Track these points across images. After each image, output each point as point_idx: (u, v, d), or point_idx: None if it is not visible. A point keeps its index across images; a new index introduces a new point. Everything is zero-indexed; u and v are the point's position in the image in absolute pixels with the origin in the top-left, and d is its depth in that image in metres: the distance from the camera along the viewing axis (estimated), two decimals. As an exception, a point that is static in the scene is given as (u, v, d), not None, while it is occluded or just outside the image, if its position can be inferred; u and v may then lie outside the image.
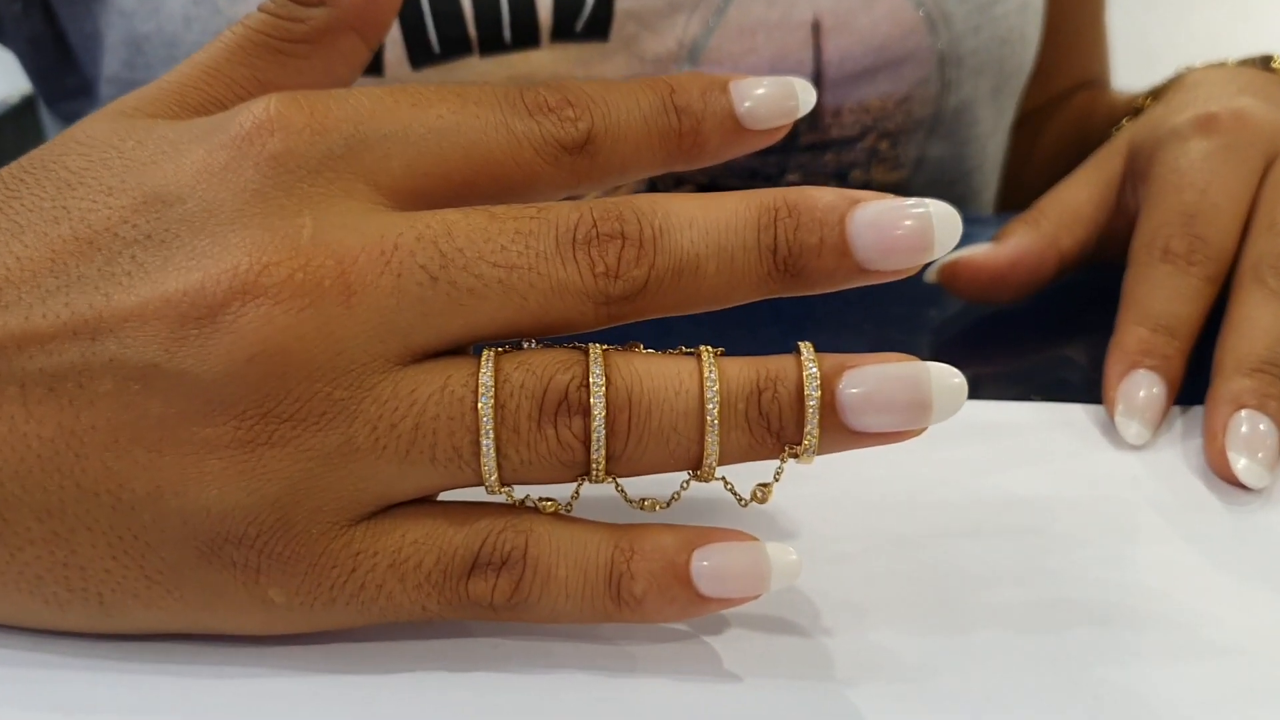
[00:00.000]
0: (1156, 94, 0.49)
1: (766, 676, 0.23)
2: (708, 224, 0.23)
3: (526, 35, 0.40)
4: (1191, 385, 0.32)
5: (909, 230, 0.23)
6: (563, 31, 0.41)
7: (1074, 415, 0.32)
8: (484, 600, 0.22)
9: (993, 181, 0.52)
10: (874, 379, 0.22)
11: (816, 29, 0.42)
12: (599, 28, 0.41)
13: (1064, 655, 0.24)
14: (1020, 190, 0.56)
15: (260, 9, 0.26)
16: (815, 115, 0.44)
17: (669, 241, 0.23)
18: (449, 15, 0.39)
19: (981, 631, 0.24)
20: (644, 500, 0.23)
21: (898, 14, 0.43)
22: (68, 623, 0.23)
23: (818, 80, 0.43)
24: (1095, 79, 0.58)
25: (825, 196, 0.23)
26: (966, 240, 0.46)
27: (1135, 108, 0.50)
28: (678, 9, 0.41)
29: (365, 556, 0.22)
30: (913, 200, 0.23)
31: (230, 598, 0.22)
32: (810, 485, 0.28)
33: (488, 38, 0.40)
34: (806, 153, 0.45)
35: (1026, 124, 0.53)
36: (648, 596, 0.22)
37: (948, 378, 0.22)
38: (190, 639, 0.23)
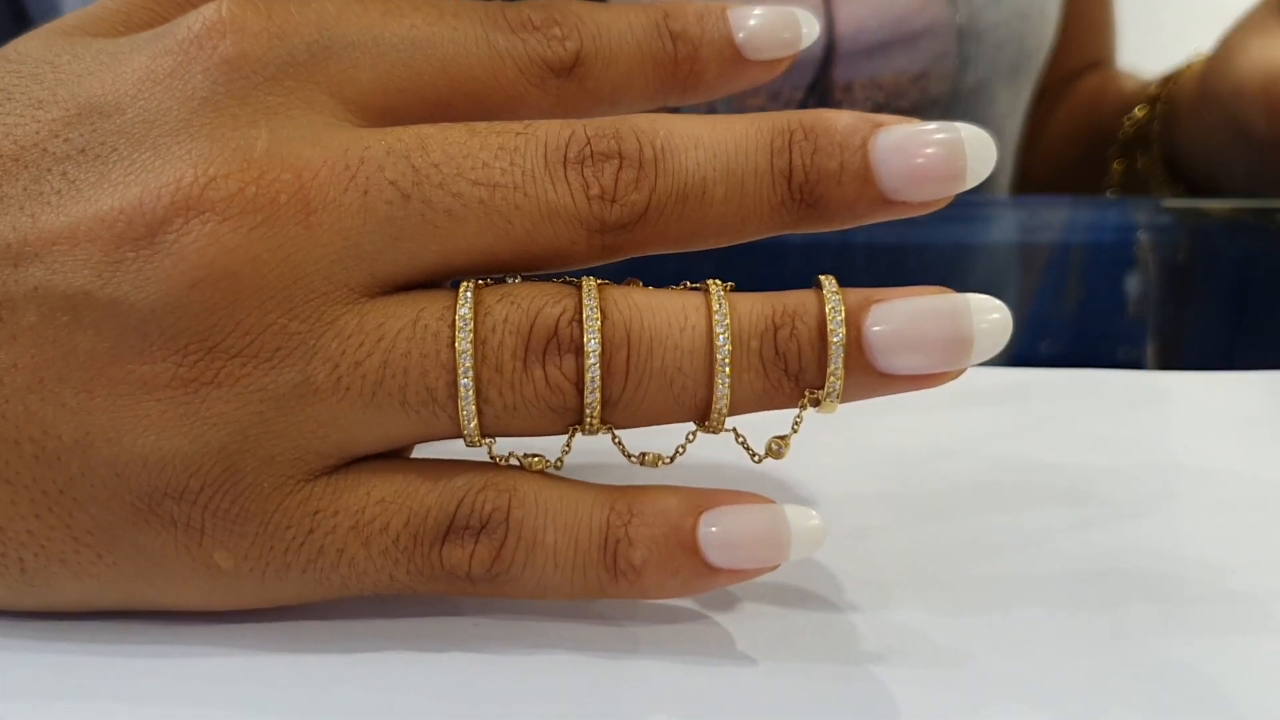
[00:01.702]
0: (1170, 79, 0.48)
1: (784, 660, 0.21)
2: (715, 145, 0.20)
3: None
4: (1243, 353, 0.29)
5: (938, 155, 0.20)
6: None
7: (1111, 379, 0.29)
8: (460, 570, 0.20)
9: (1009, 165, 0.50)
10: (906, 314, 0.20)
11: (828, -2, 0.40)
12: None
13: (1121, 634, 0.21)
14: (1030, 171, 0.54)
15: None
16: (825, 91, 0.42)
17: (672, 162, 0.20)
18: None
19: (1023, 609, 0.22)
20: (644, 455, 0.21)
21: None
22: (-15, 596, 0.20)
23: (830, 53, 0.41)
24: (1103, 59, 0.57)
25: (844, 118, 0.21)
26: (983, 227, 0.44)
27: (1150, 96, 0.48)
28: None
29: (324, 516, 0.19)
30: (939, 123, 0.21)
31: (170, 563, 0.19)
32: (828, 448, 0.25)
33: None
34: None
35: (1037, 104, 0.51)
36: (648, 566, 0.20)
37: (989, 311, 0.20)
38: (125, 616, 0.21)
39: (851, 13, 0.40)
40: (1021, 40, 0.45)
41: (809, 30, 0.24)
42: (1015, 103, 0.48)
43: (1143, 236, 0.41)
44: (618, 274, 0.21)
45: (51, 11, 0.42)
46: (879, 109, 0.43)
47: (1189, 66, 0.46)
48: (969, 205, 0.44)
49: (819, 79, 0.41)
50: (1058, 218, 0.44)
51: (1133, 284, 0.40)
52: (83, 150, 0.20)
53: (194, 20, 0.20)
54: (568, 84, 0.22)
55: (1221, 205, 0.42)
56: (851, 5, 0.40)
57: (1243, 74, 0.40)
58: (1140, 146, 0.48)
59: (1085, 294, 0.40)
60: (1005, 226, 0.43)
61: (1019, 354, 0.34)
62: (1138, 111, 0.49)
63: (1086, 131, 0.53)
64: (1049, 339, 0.38)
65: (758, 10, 0.23)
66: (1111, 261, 0.41)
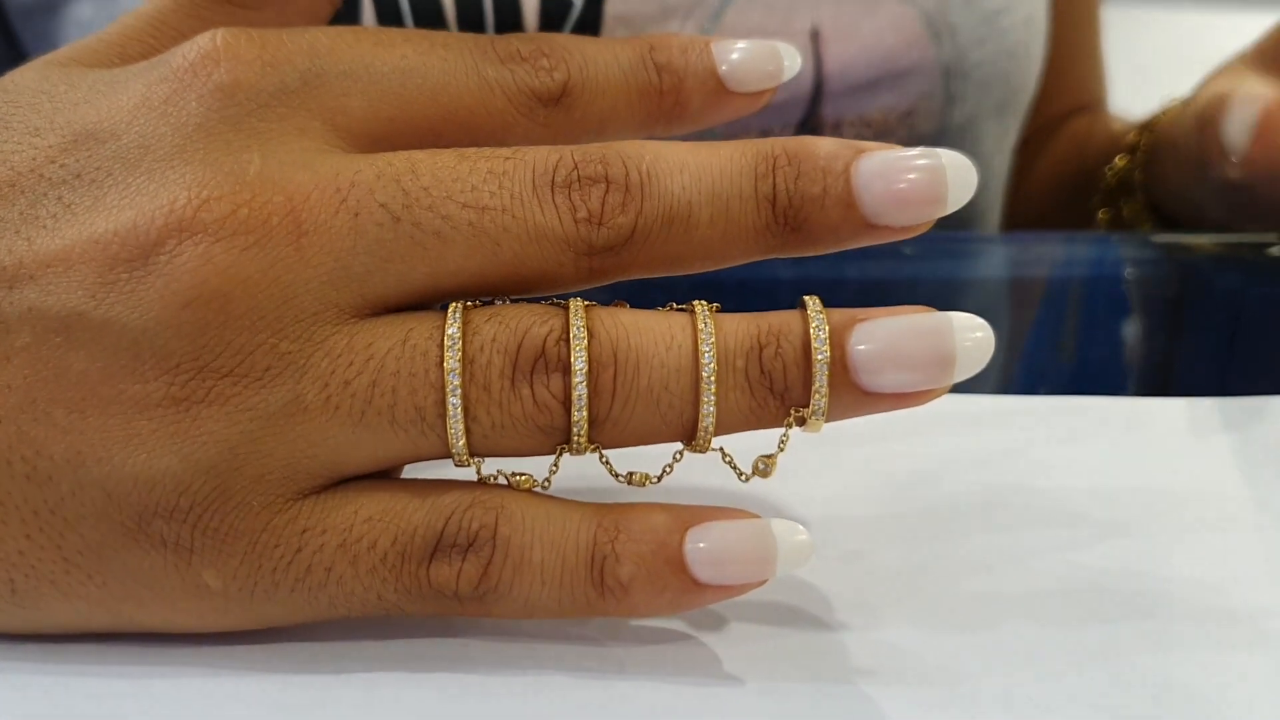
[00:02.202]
0: (1146, 126, 0.48)
1: (771, 679, 0.21)
2: (700, 169, 0.21)
3: None
4: (1234, 385, 0.30)
5: (920, 180, 0.21)
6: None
7: (1098, 405, 0.29)
8: (448, 588, 0.20)
9: (998, 203, 0.50)
10: (889, 332, 0.20)
11: (816, 37, 0.41)
12: (587, 31, 0.39)
13: (1112, 650, 0.21)
14: (1017, 214, 0.54)
15: None
16: (814, 128, 0.42)
17: (657, 186, 0.21)
18: (428, 14, 0.38)
19: (1014, 627, 0.22)
20: (631, 474, 0.21)
21: (901, 24, 0.42)
22: (-26, 618, 0.20)
23: (818, 91, 0.42)
24: (1092, 102, 0.57)
25: (827, 144, 0.21)
26: (973, 263, 0.44)
27: (1129, 144, 0.49)
28: (670, 14, 0.40)
29: (313, 534, 0.19)
30: (921, 149, 0.21)
31: (159, 584, 0.19)
32: (816, 473, 0.25)
33: None
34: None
35: (1024, 147, 0.51)
36: (635, 583, 0.20)
37: (972, 329, 0.20)
38: (113, 639, 0.21)
39: (839, 52, 0.41)
40: (1008, 78, 0.46)
41: (790, 63, 0.24)
42: (1003, 140, 0.48)
43: (1132, 271, 0.42)
44: (606, 299, 0.22)
45: (48, 46, 0.42)
46: (868, 146, 0.43)
47: (1165, 112, 0.47)
48: (959, 241, 0.45)
49: (808, 117, 0.42)
50: (1047, 253, 0.44)
51: (1122, 318, 0.40)
52: (78, 175, 0.20)
53: (189, 49, 0.21)
54: (555, 113, 0.23)
55: (1209, 239, 0.43)
56: (838, 44, 0.41)
57: (1199, 115, 0.40)
58: (1124, 194, 0.49)
59: (1077, 328, 0.40)
60: (995, 262, 0.44)
61: (1012, 388, 0.34)
62: (1118, 161, 0.49)
63: (1073, 175, 0.54)
64: (1041, 373, 0.38)
65: (740, 44, 0.24)
66: (1101, 296, 0.41)
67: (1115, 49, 0.60)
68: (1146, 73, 0.62)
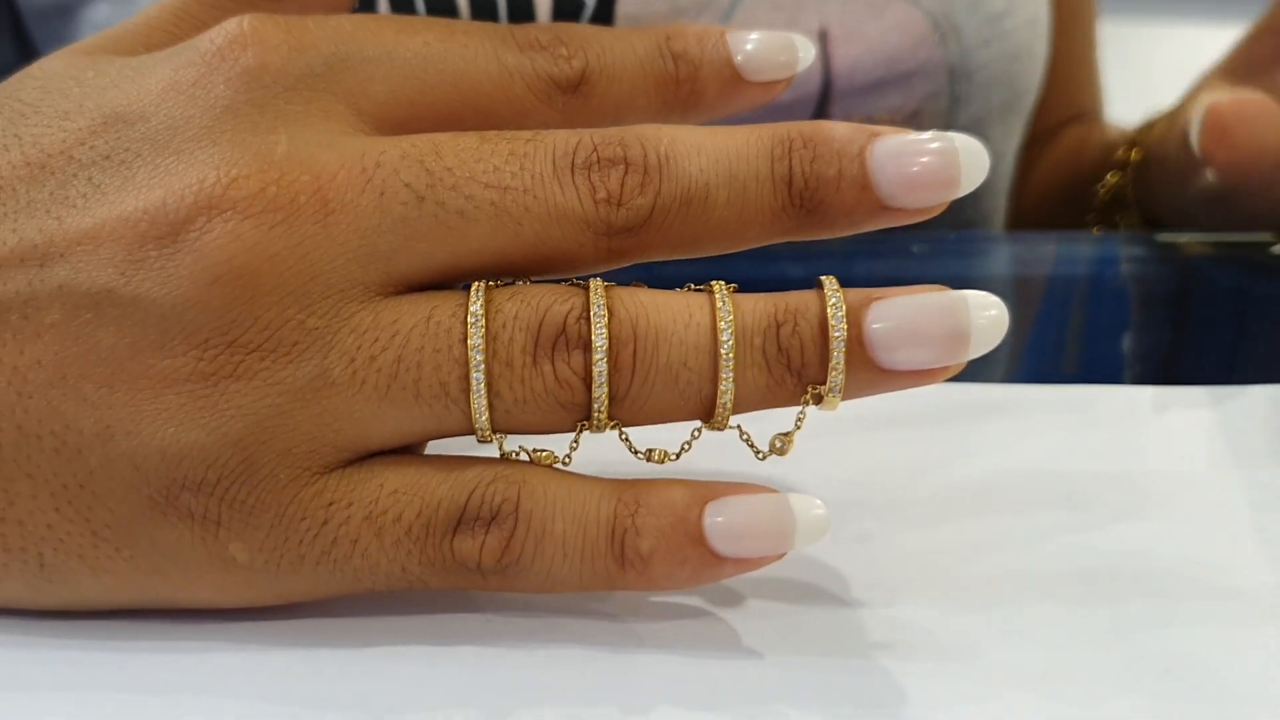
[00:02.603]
0: (1133, 142, 0.48)
1: (790, 653, 0.21)
2: (717, 152, 0.21)
3: None
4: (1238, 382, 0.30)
5: (933, 163, 0.21)
6: None
7: (1108, 394, 0.30)
8: (471, 560, 0.20)
9: (1003, 205, 0.51)
10: (905, 310, 0.20)
11: (824, 37, 0.42)
12: None
13: (1126, 628, 0.21)
14: (1015, 221, 0.54)
15: None
16: (821, 128, 0.43)
17: (675, 168, 0.21)
18: (443, 12, 0.39)
19: (1028, 605, 0.22)
20: (651, 451, 0.21)
21: (907, 24, 0.42)
22: (3, 593, 0.20)
23: (826, 91, 0.42)
24: (1088, 111, 0.58)
25: (842, 128, 0.22)
26: (981, 269, 0.45)
27: (1119, 161, 0.49)
28: (681, 13, 0.41)
29: (339, 507, 0.20)
30: (934, 132, 0.22)
31: (186, 557, 0.20)
32: (833, 458, 0.26)
33: None
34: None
35: (1021, 155, 0.52)
36: (655, 556, 0.20)
37: (987, 306, 0.20)
38: (140, 615, 0.21)
39: (846, 52, 0.42)
40: (1012, 80, 0.46)
41: (805, 54, 0.25)
42: (1008, 141, 0.49)
43: (1135, 269, 0.42)
44: (625, 281, 0.22)
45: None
46: (875, 146, 0.44)
47: (1151, 125, 0.47)
48: (965, 240, 0.45)
49: (816, 117, 0.42)
50: (1052, 252, 0.44)
51: (1127, 315, 0.40)
52: (108, 156, 0.20)
53: (216, 34, 0.21)
54: (573, 100, 0.23)
55: (1210, 239, 0.43)
56: (846, 45, 0.42)
57: (1178, 127, 0.40)
58: (1119, 209, 0.49)
59: (1082, 326, 0.41)
60: (1001, 260, 0.44)
61: (1018, 380, 0.35)
62: (1110, 178, 0.49)
63: (1067, 184, 0.54)
64: (1046, 370, 0.38)
65: (755, 34, 0.24)
66: (1105, 294, 0.42)
67: (1112, 62, 0.60)
68: (1144, 85, 0.63)
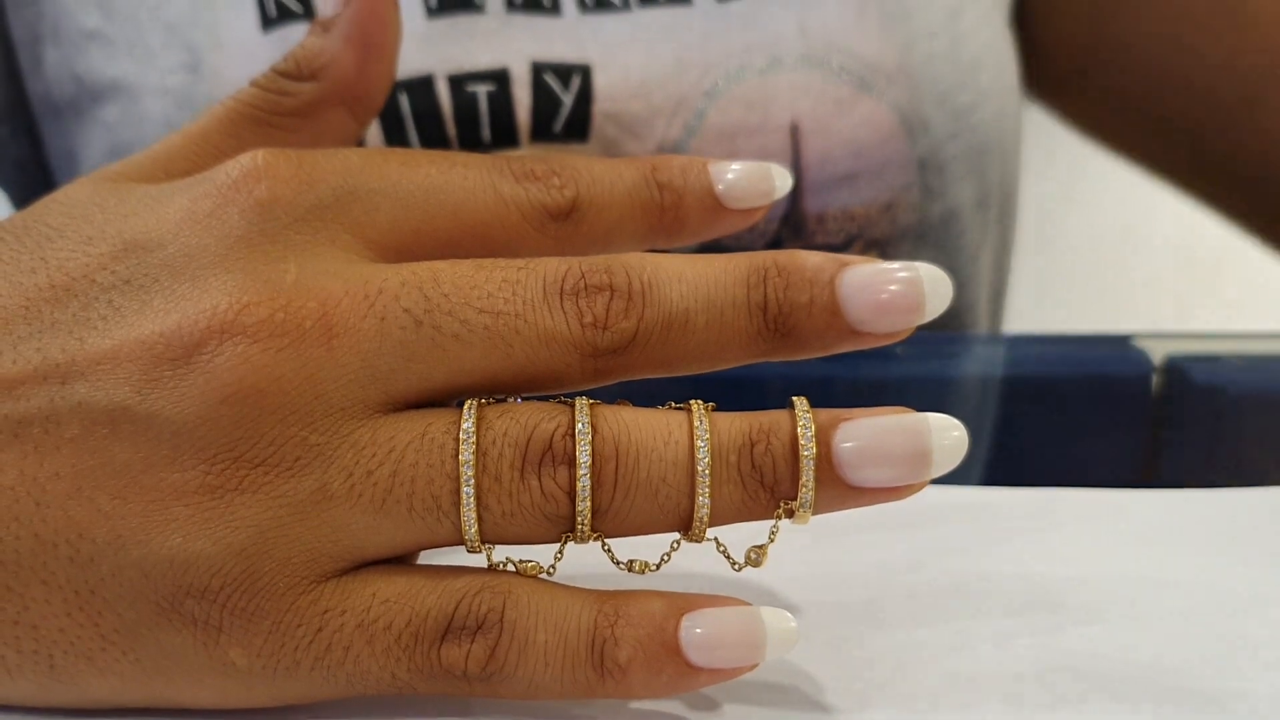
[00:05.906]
0: None
1: (763, 758, 0.22)
2: (697, 279, 0.23)
3: (505, 135, 0.41)
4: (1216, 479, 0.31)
5: (900, 291, 0.23)
6: (541, 132, 0.42)
7: (1075, 497, 0.31)
8: (458, 668, 0.21)
9: (983, 297, 0.52)
10: (871, 431, 0.22)
11: (795, 132, 0.44)
12: (577, 129, 0.42)
13: (1083, 734, 0.22)
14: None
15: (251, 83, 0.27)
16: (799, 222, 0.45)
17: (658, 294, 0.23)
18: (428, 115, 0.41)
19: (992, 708, 0.23)
20: (632, 562, 0.23)
21: (875, 119, 0.44)
22: (13, 692, 0.22)
23: (798, 183, 0.44)
24: None
25: (813, 258, 0.24)
26: (968, 365, 0.46)
27: None
28: (657, 113, 0.43)
29: (333, 615, 0.21)
30: (901, 263, 0.23)
31: (189, 661, 0.21)
32: (807, 561, 0.27)
33: (467, 137, 0.41)
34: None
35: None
36: (633, 665, 0.21)
37: (948, 429, 0.22)
38: (143, 712, 0.22)
39: (817, 145, 0.44)
40: (982, 174, 0.48)
41: (782, 183, 0.27)
42: (985, 234, 0.50)
43: (1115, 370, 0.44)
44: (609, 398, 0.23)
45: (67, 160, 0.45)
46: (852, 239, 0.46)
47: None
48: (949, 342, 0.47)
49: (791, 211, 0.44)
50: (1033, 352, 0.46)
51: (1105, 415, 0.42)
52: (127, 281, 0.22)
53: (232, 167, 0.23)
54: (565, 227, 0.25)
55: (1191, 335, 0.45)
56: (816, 139, 0.44)
57: None
58: None
59: (1062, 425, 0.42)
60: (983, 361, 0.45)
61: (996, 482, 0.36)
62: None
63: None
64: (1024, 468, 0.39)
65: (735, 165, 0.27)
66: (1083, 394, 0.43)
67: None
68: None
